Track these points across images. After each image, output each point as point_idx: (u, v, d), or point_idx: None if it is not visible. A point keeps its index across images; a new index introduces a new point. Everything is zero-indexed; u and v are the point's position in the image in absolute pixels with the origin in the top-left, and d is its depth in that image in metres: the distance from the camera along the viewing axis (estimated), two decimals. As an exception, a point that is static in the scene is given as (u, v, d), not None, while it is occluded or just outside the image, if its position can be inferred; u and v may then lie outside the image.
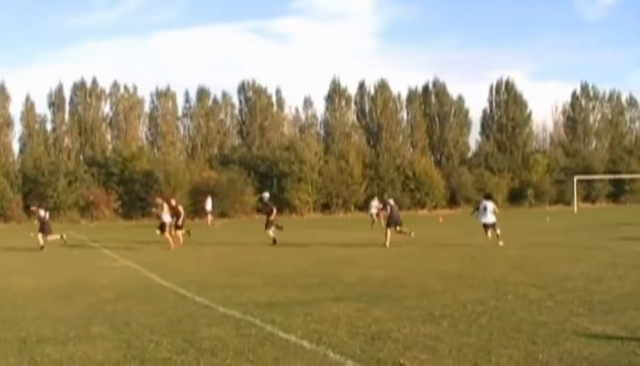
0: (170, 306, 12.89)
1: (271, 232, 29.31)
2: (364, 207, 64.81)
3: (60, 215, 60.57)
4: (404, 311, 11.67)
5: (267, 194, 32.43)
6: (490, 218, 26.57)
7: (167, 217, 28.37)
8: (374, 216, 42.53)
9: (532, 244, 26.44)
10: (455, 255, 22.14)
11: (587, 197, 77.49)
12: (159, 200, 30.00)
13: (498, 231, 26.24)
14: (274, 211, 30.35)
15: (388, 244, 26.70)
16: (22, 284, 17.11)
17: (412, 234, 27.85)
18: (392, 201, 29.63)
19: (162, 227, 28.17)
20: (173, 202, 31.15)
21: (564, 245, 25.65)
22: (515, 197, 77.14)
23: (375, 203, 43.75)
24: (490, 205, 27.01)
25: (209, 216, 50.94)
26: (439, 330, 9.99)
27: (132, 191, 63.33)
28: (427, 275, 16.87)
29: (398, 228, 27.98)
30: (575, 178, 69.98)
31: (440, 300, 12.79)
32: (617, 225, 37.41)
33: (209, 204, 51.10)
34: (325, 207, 68.61)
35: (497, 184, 75.25)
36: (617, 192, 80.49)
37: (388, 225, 28.02)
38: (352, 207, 68.47)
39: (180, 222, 29.99)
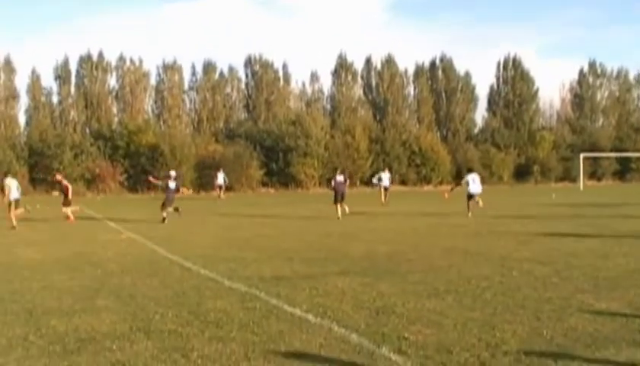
0: (175, 279, 12.91)
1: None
2: (369, 181, 64.89)
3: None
4: (409, 286, 11.67)
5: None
6: (479, 188, 28.87)
7: (14, 194, 27.32)
8: (382, 189, 42.34)
9: (538, 220, 26.45)
10: (460, 231, 22.12)
11: (593, 175, 77.55)
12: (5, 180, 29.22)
13: (481, 202, 28.70)
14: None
15: (340, 216, 28.25)
16: (28, 256, 17.16)
17: (339, 217, 28.43)
18: (339, 177, 30.45)
19: (16, 205, 27.46)
20: (58, 177, 30.90)
21: (570, 221, 25.65)
22: (521, 173, 77.25)
23: (386, 175, 43.56)
24: (477, 177, 29.26)
25: (220, 190, 51.13)
26: (443, 305, 9.99)
27: (138, 164, 63.52)
28: (432, 250, 16.88)
29: (342, 203, 29.16)
30: (581, 156, 69.91)
31: (445, 275, 12.80)
32: (623, 202, 37.35)
33: (220, 178, 51.24)
34: (331, 182, 68.56)
35: (503, 161, 75.41)
36: (623, 170, 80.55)
37: (335, 199, 29.34)
38: (358, 182, 68.49)
39: (67, 199, 29.49)
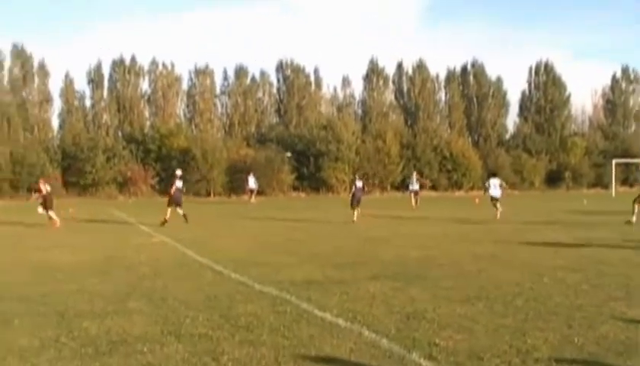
0: (206, 282, 12.96)
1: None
2: (401, 186, 64.81)
3: (98, 191, 61.29)
4: (439, 291, 11.65)
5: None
6: (497, 192, 30.36)
7: None
8: (412, 194, 42.23)
9: (569, 227, 26.25)
10: (491, 237, 22.00)
11: (625, 181, 76.75)
12: None
13: (499, 207, 29.85)
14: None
15: (355, 219, 29.40)
16: (60, 258, 17.29)
17: (354, 220, 29.54)
18: (358, 183, 32.02)
19: None
20: (40, 185, 30.80)
21: (602, 228, 25.42)
22: (552, 179, 76.74)
23: (414, 179, 43.52)
24: (497, 181, 30.84)
25: (251, 194, 51.31)
26: (474, 311, 9.96)
27: (170, 168, 63.55)
28: (462, 256, 16.81)
29: (357, 207, 30.32)
30: (614, 162, 69.29)
31: (476, 280, 12.76)
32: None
33: (251, 182, 51.45)
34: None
35: (535, 166, 74.96)
36: (656, 176, 79.68)
37: (351, 204, 30.62)
38: (389, 187, 68.47)
39: (47, 203, 29.08)
